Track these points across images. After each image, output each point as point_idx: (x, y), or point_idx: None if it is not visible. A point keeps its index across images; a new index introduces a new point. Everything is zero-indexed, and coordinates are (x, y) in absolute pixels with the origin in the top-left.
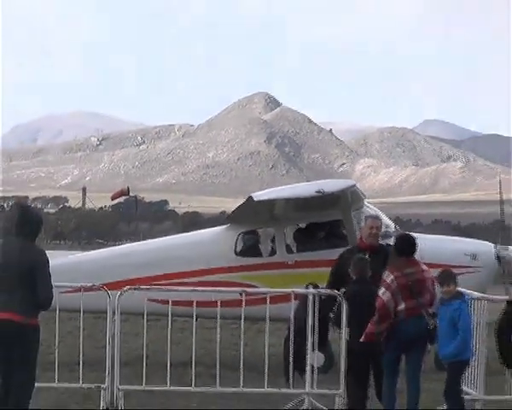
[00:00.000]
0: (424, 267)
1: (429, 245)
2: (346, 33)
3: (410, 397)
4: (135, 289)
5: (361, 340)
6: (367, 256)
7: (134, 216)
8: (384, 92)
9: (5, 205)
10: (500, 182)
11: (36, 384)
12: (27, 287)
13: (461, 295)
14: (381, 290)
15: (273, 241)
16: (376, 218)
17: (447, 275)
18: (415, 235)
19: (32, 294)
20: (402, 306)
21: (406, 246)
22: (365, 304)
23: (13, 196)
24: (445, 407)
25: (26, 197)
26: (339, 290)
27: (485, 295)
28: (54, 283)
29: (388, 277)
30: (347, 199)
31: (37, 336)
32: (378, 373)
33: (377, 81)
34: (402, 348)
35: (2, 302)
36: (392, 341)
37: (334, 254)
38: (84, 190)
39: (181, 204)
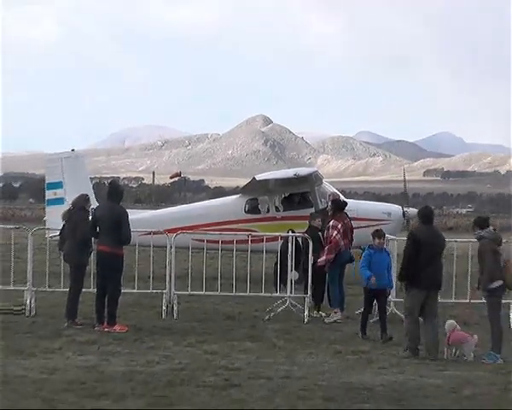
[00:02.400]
0: (349, 219)
1: (362, 206)
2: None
3: (341, 288)
4: (183, 233)
5: (320, 263)
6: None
7: (183, 189)
8: (333, 111)
9: (105, 183)
10: (404, 170)
11: (122, 290)
12: (116, 231)
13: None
14: (334, 233)
15: (268, 204)
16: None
17: (380, 232)
18: (348, 200)
19: (118, 235)
20: (342, 243)
21: (342, 206)
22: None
23: (110, 177)
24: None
25: (118, 178)
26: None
27: (396, 237)
28: (134, 228)
29: (337, 224)
30: (312, 179)
31: (122, 260)
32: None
33: (329, 102)
34: (340, 267)
35: (101, 240)
36: (336, 263)
37: (305, 212)
38: (153, 173)
39: (212, 182)
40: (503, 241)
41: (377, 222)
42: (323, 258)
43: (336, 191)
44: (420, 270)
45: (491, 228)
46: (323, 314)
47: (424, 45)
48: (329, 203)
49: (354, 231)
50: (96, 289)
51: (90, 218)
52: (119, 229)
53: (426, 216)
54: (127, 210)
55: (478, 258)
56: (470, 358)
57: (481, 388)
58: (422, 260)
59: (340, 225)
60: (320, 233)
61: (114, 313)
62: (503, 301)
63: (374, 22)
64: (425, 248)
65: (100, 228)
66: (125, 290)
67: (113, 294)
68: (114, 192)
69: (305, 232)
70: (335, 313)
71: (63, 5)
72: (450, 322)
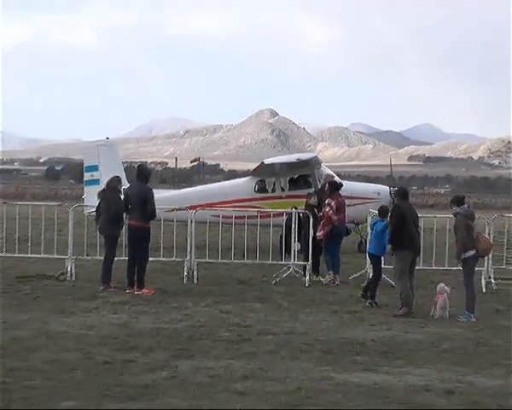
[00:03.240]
0: (342, 197)
1: (356, 187)
2: None
3: (336, 257)
4: (202, 209)
5: (319, 237)
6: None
7: (202, 171)
8: (330, 105)
9: (135, 166)
10: (390, 156)
11: (149, 259)
12: (143, 207)
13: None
14: (327, 209)
15: (274, 185)
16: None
17: (385, 209)
18: (343, 181)
19: (145, 211)
20: (335, 218)
21: (338, 187)
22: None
23: (138, 162)
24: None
25: (146, 162)
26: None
27: None
28: (159, 205)
29: (331, 202)
30: (312, 163)
31: (149, 233)
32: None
33: (327, 98)
34: (335, 238)
35: (131, 215)
36: (331, 236)
37: (306, 192)
38: (176, 158)
39: (226, 166)
40: (476, 217)
41: (369, 200)
42: (321, 232)
43: (333, 173)
44: (406, 236)
45: (466, 206)
46: (322, 279)
47: (408, 47)
48: (326, 184)
49: (350, 207)
50: (127, 258)
51: (122, 196)
52: (145, 205)
53: (405, 194)
54: (153, 190)
55: (454, 231)
56: (446, 316)
57: (458, 342)
58: (408, 227)
59: (333, 203)
60: (316, 210)
61: (143, 278)
62: (476, 268)
63: (365, 27)
64: (408, 219)
65: (130, 205)
66: (152, 259)
67: (141, 262)
68: (142, 174)
69: (304, 209)
70: (329, 275)
71: (100, 16)
72: (442, 285)
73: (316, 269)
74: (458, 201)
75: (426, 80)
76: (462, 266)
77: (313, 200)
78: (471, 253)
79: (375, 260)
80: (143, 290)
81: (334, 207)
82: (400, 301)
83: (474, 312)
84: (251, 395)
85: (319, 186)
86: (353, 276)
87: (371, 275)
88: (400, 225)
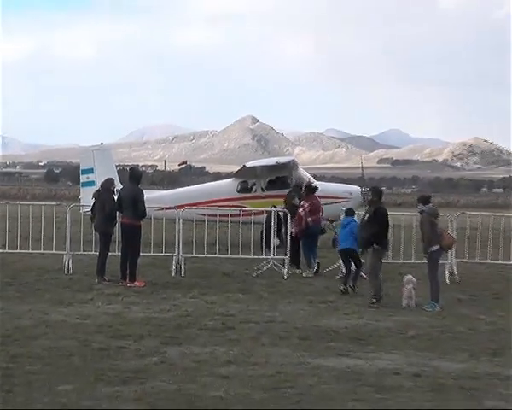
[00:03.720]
0: (318, 199)
1: (330, 187)
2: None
3: (313, 253)
4: (189, 208)
5: (292, 234)
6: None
7: (189, 174)
8: (306, 112)
9: (127, 169)
10: (362, 159)
11: (141, 254)
12: (134, 207)
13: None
14: (301, 210)
15: (255, 185)
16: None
17: (352, 210)
18: (318, 182)
19: (136, 210)
20: (309, 218)
21: (313, 189)
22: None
23: (130, 165)
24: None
25: (137, 165)
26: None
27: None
28: (150, 204)
29: (304, 204)
30: (290, 166)
31: (140, 230)
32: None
33: (304, 106)
34: (310, 238)
35: (124, 214)
36: (307, 235)
37: (284, 192)
38: (165, 162)
39: (211, 168)
40: (441, 214)
41: (342, 199)
42: (293, 230)
43: (309, 175)
44: (385, 234)
45: (430, 204)
46: (300, 271)
47: (378, 59)
48: (300, 185)
49: (324, 206)
50: (120, 253)
51: (116, 197)
52: (136, 205)
53: (382, 194)
54: (144, 190)
55: (420, 227)
56: (412, 305)
57: (423, 329)
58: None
59: (306, 205)
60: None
61: (134, 271)
62: (440, 261)
63: (337, 40)
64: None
65: (122, 205)
66: (143, 254)
67: (133, 256)
68: (134, 176)
69: (286, 208)
70: (308, 271)
71: (100, 30)
72: (409, 277)
73: (296, 262)
74: (424, 200)
75: (394, 89)
76: (427, 260)
77: (296, 200)
78: (435, 247)
79: (355, 255)
80: (135, 283)
81: (307, 209)
82: (372, 292)
83: (438, 301)
84: (234, 379)
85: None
86: (328, 269)
87: (348, 269)
88: (386, 225)
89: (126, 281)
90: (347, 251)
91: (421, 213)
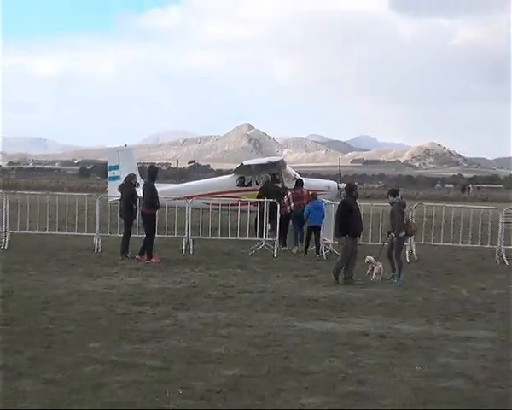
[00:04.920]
0: (303, 189)
1: (312, 182)
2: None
3: (300, 233)
4: (197, 198)
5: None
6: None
7: (196, 171)
8: (293, 120)
9: (146, 166)
10: (339, 159)
11: (156, 236)
12: (149, 199)
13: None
14: (285, 198)
15: (251, 180)
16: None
17: (315, 194)
18: (303, 178)
19: (152, 201)
20: (292, 204)
21: (299, 182)
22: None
23: (148, 163)
24: (313, 247)
25: (154, 163)
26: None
27: (334, 202)
28: (164, 196)
29: (288, 193)
30: (279, 164)
31: (155, 218)
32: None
33: (291, 116)
34: (296, 220)
35: (143, 205)
36: (292, 218)
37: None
38: (177, 160)
39: (215, 166)
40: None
41: (322, 192)
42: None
43: (295, 172)
44: (351, 224)
45: (399, 196)
46: (285, 249)
47: (351, 75)
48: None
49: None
50: (140, 236)
51: (140, 189)
52: (152, 197)
53: (351, 189)
54: (159, 184)
55: (390, 216)
56: (379, 279)
57: (388, 299)
58: (354, 217)
59: (289, 193)
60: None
61: (151, 250)
62: (404, 244)
63: (319, 57)
64: (354, 212)
65: (143, 197)
66: (159, 235)
67: (150, 238)
68: (150, 173)
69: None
70: (296, 248)
71: (118, 51)
72: (369, 257)
73: (283, 243)
74: (394, 192)
75: (365, 102)
76: (395, 243)
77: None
78: (403, 233)
79: (318, 229)
80: (152, 260)
81: (291, 198)
82: (335, 269)
83: (400, 277)
84: (233, 339)
85: (285, 182)
86: (311, 248)
87: (308, 240)
88: (346, 216)
89: (145, 258)
90: (316, 227)
91: (391, 203)
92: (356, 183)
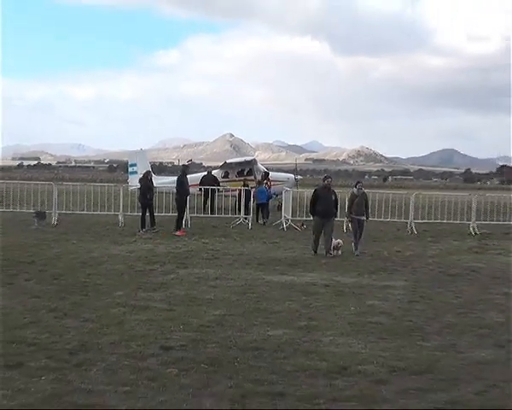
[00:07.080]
0: (269, 180)
1: (276, 174)
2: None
3: (267, 212)
4: (193, 187)
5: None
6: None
7: (192, 167)
8: (263, 130)
9: (156, 165)
10: (296, 159)
11: (163, 214)
12: (178, 189)
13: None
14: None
15: (232, 174)
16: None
17: (259, 181)
18: (270, 172)
19: (178, 190)
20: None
21: (267, 174)
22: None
23: (158, 162)
24: (265, 220)
25: (162, 162)
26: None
27: (291, 189)
28: (170, 185)
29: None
30: (253, 162)
31: (181, 203)
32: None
33: (261, 125)
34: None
35: (176, 193)
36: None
37: (249, 177)
38: (178, 160)
39: (206, 164)
40: (338, 193)
41: (282, 182)
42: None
43: (264, 167)
44: (317, 207)
45: (359, 186)
46: (261, 222)
47: (304, 101)
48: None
49: (273, 186)
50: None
51: (155, 182)
52: (178, 187)
53: (323, 182)
54: (164, 176)
55: (357, 202)
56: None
57: (332, 260)
58: (320, 202)
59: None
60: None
61: (179, 225)
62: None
63: (285, 86)
64: (320, 198)
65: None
66: (166, 214)
67: (178, 216)
68: (182, 169)
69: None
70: (264, 220)
71: (134, 80)
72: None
73: (257, 219)
74: (355, 184)
75: (315, 116)
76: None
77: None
78: (364, 217)
79: (266, 205)
80: (177, 232)
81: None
82: (311, 246)
83: (357, 249)
84: (219, 288)
85: (257, 176)
86: (275, 223)
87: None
88: (314, 201)
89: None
90: (263, 204)
91: (357, 191)
92: (328, 175)
